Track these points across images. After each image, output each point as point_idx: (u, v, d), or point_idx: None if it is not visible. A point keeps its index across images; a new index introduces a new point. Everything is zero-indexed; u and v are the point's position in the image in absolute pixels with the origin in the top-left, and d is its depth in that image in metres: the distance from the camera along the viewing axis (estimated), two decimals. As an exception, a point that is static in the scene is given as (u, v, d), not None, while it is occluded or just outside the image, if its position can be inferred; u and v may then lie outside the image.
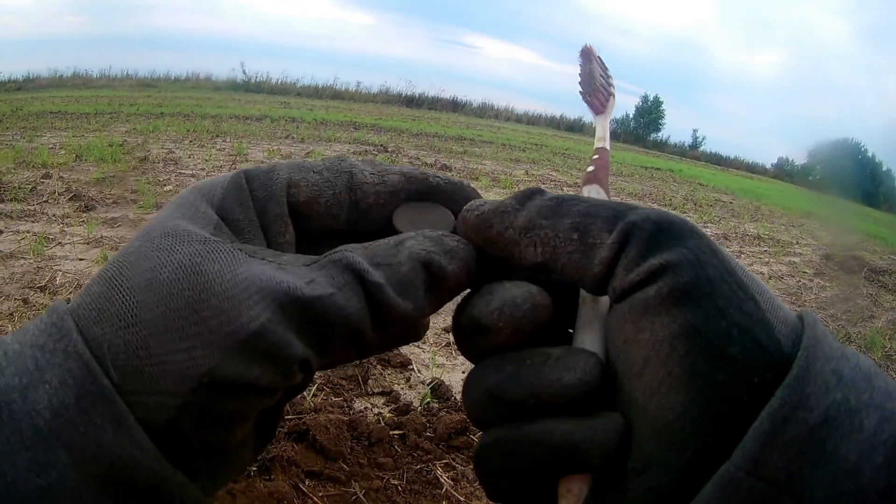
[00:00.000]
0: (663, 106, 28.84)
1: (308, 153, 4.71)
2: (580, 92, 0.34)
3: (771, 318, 0.17)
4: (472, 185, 0.27)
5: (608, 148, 0.31)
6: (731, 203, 7.23)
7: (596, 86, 0.34)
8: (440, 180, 0.26)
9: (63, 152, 3.85)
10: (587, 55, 0.35)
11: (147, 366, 0.18)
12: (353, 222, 0.25)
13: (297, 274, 0.21)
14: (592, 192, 0.28)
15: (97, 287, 0.20)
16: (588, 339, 0.20)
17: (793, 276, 3.73)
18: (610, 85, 0.34)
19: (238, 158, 4.16)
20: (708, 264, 0.18)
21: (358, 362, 1.71)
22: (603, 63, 0.35)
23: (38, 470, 0.17)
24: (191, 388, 0.19)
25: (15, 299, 1.51)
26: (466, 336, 0.22)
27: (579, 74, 0.34)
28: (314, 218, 0.25)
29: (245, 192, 0.24)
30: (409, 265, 0.22)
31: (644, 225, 0.19)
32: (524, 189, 0.23)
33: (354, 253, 0.22)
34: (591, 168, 0.29)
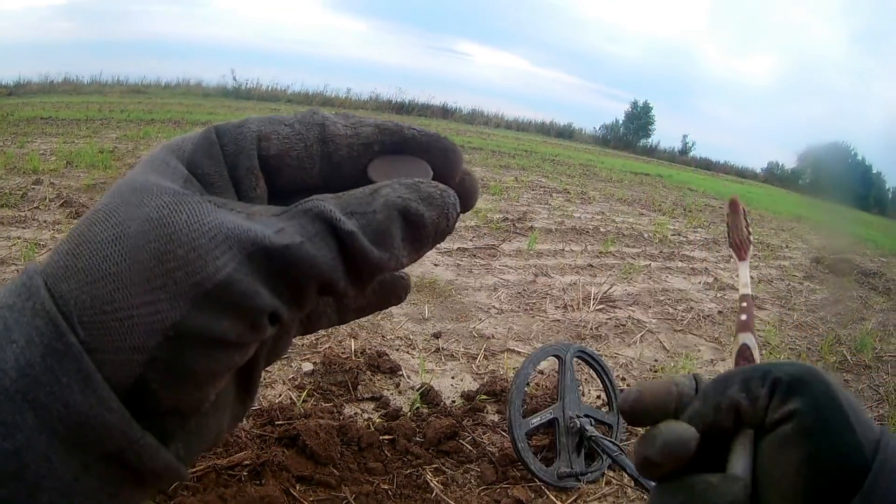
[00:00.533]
0: (653, 112, 29.10)
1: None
2: (729, 242, 0.38)
3: (862, 441, 0.23)
4: (449, 139, 0.26)
5: (751, 293, 0.36)
6: (720, 208, 7.27)
7: (742, 237, 0.38)
8: (415, 132, 0.25)
9: (54, 158, 3.84)
10: (735, 207, 0.39)
11: (113, 321, 0.18)
12: (327, 176, 0.25)
13: (265, 223, 0.20)
14: (747, 339, 0.32)
15: (66, 245, 0.20)
16: (740, 463, 0.26)
17: (782, 280, 3.77)
18: (750, 234, 0.39)
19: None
20: (824, 407, 0.24)
21: (347, 368, 1.71)
22: (746, 213, 0.39)
23: (5, 433, 0.17)
24: (157, 343, 0.18)
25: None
26: (643, 467, 0.27)
27: (727, 224, 0.39)
28: (286, 171, 0.24)
29: (215, 147, 0.23)
30: (384, 213, 0.22)
31: (784, 378, 0.25)
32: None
33: (326, 202, 0.21)
34: (743, 317, 0.35)
